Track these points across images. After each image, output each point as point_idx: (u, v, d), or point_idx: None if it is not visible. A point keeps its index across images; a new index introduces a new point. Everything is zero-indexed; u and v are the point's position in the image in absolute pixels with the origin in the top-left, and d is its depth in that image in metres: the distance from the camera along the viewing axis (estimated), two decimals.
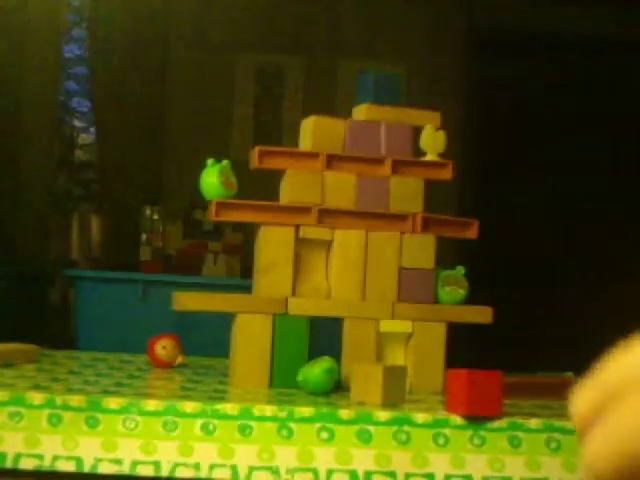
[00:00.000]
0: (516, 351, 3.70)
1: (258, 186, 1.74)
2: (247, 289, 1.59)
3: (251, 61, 4.66)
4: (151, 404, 1.24)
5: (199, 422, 1.23)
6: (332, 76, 4.68)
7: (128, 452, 1.22)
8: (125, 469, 1.21)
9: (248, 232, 3.44)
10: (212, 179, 1.51)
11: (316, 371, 1.42)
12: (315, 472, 1.23)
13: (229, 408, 1.24)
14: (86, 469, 1.21)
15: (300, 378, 1.43)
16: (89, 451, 1.22)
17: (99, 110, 4.43)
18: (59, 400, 1.23)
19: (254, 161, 1.54)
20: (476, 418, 1.26)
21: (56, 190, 4.69)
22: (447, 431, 1.26)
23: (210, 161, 1.52)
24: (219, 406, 1.24)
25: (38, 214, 4.34)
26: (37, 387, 1.33)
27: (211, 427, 1.23)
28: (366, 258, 1.55)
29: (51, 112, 4.48)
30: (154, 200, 4.12)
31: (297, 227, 1.53)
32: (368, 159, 1.57)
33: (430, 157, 1.60)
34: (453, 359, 1.55)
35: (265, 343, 1.50)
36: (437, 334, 1.57)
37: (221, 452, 1.22)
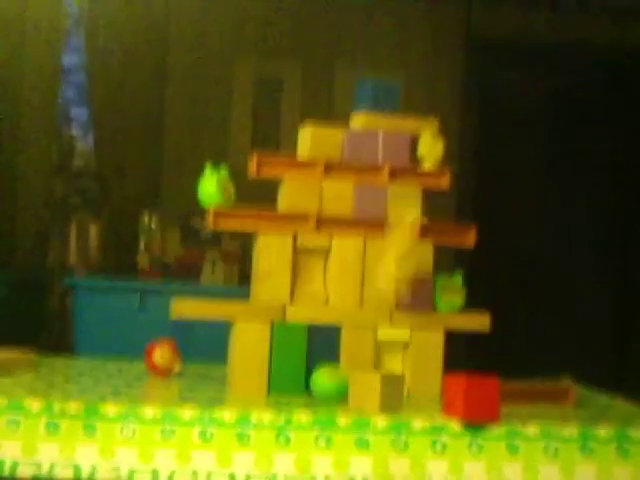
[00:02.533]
0: (513, 355, 3.70)
1: (256, 193, 1.75)
2: (245, 297, 1.59)
3: (249, 68, 4.67)
4: (149, 412, 1.24)
5: (197, 430, 1.24)
6: (330, 83, 4.68)
7: (126, 460, 1.22)
8: (123, 477, 1.21)
9: (246, 240, 3.44)
10: (210, 188, 1.51)
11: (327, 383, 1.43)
12: None
13: (227, 416, 1.24)
14: (84, 477, 1.21)
15: (315, 387, 1.44)
16: (87, 459, 1.22)
17: (97, 118, 4.43)
18: (57, 407, 1.24)
19: (252, 170, 1.54)
20: (474, 424, 1.26)
21: (54, 197, 4.69)
22: (445, 438, 1.26)
23: (208, 167, 1.52)
24: (217, 414, 1.25)
25: (36, 221, 4.34)
26: (35, 394, 1.32)
27: (209, 435, 1.23)
28: (364, 266, 1.55)
29: (49, 120, 4.48)
30: (152, 208, 4.12)
31: (295, 235, 1.53)
32: (366, 167, 1.57)
33: (428, 164, 1.60)
34: (449, 364, 1.55)
35: (263, 350, 1.50)
36: (435, 342, 1.57)
37: (219, 460, 1.23)
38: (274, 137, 4.67)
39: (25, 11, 4.22)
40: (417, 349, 1.56)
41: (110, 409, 1.24)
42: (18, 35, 4.21)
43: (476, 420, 1.26)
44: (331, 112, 4.49)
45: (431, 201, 1.66)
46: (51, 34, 4.34)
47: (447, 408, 1.28)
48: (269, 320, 1.50)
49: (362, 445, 1.25)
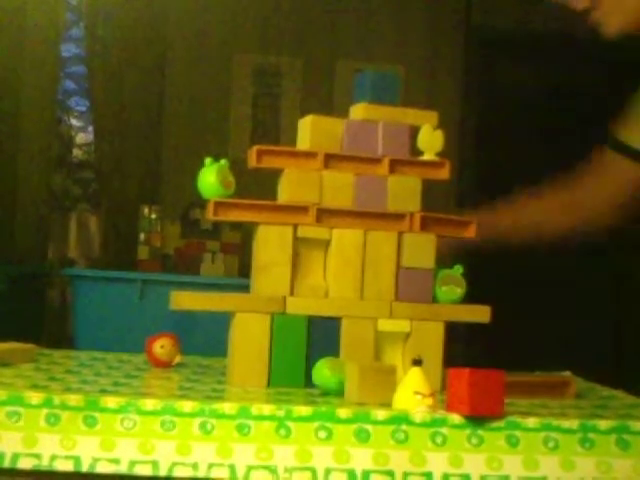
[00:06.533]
0: (513, 350, 3.70)
1: (256, 185, 1.75)
2: (245, 288, 1.59)
3: (249, 61, 4.66)
4: (149, 403, 1.24)
5: (197, 421, 1.23)
6: (329, 76, 4.68)
7: (126, 451, 1.22)
8: (123, 468, 1.21)
9: (246, 231, 3.45)
10: (210, 178, 1.51)
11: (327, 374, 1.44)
12: (313, 471, 1.23)
13: (227, 407, 1.24)
14: (84, 468, 1.21)
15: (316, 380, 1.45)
16: (87, 450, 1.22)
17: (97, 109, 4.43)
18: (57, 399, 1.23)
19: (252, 160, 1.54)
20: (477, 417, 1.26)
21: (54, 189, 4.69)
22: (445, 430, 1.26)
23: (208, 160, 1.52)
24: (217, 405, 1.25)
25: (36, 213, 4.34)
26: (35, 386, 1.33)
27: (209, 426, 1.23)
28: (364, 257, 1.55)
29: (49, 111, 4.48)
30: (152, 199, 4.12)
31: (295, 226, 1.53)
32: (366, 158, 1.57)
33: (428, 157, 1.60)
34: (449, 360, 1.55)
35: (263, 342, 1.50)
36: (435, 333, 1.57)
37: (219, 451, 1.23)
38: (274, 132, 4.67)
39: (25, 4, 4.22)
40: (417, 340, 1.56)
41: (110, 401, 1.24)
42: (18, 29, 4.21)
43: (481, 413, 1.26)
44: (331, 106, 4.49)
45: (432, 193, 1.66)
46: (51, 26, 4.33)
47: (450, 401, 1.28)
48: (269, 312, 1.50)
49: (362, 437, 1.25)
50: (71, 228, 4.57)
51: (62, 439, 1.22)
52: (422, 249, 1.58)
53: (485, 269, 4.07)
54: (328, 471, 1.23)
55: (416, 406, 1.27)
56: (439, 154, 1.61)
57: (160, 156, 4.54)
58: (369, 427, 1.25)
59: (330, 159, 1.56)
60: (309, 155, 1.56)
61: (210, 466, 1.22)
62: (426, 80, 4.59)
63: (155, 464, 1.22)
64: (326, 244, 1.56)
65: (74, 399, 1.24)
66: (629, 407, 1.48)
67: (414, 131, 1.61)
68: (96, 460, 1.22)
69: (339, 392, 1.41)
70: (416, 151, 1.61)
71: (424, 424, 1.26)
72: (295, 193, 1.54)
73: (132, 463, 1.22)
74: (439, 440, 1.26)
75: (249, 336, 1.50)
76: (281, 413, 1.25)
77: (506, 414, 1.28)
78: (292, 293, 1.53)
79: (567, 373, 1.72)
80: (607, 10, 1.66)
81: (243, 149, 2.00)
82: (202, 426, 1.23)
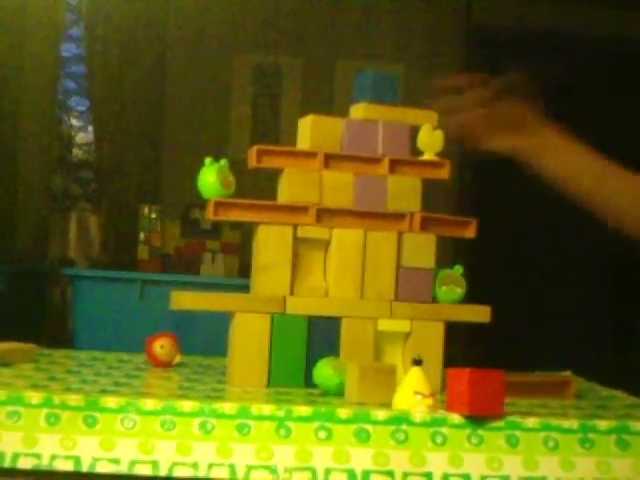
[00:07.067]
0: (514, 350, 3.70)
1: (256, 185, 1.75)
2: (245, 288, 1.59)
3: (249, 60, 4.66)
4: (149, 403, 1.24)
5: (197, 421, 1.23)
6: (330, 75, 4.67)
7: (126, 451, 1.22)
8: (123, 468, 1.21)
9: (246, 231, 3.45)
10: (210, 178, 1.51)
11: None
12: (313, 471, 1.23)
13: (227, 407, 1.24)
14: (84, 468, 1.21)
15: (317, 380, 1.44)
16: (87, 450, 1.22)
17: (97, 109, 4.43)
18: (57, 399, 1.23)
19: (252, 160, 1.54)
20: (477, 417, 1.26)
21: (54, 189, 4.69)
22: (445, 430, 1.26)
23: (208, 160, 1.52)
24: (217, 405, 1.24)
25: (36, 213, 4.34)
26: (35, 386, 1.33)
27: (209, 426, 1.23)
28: (364, 257, 1.55)
29: (49, 111, 4.48)
30: (152, 199, 4.12)
31: (295, 226, 1.53)
32: (366, 158, 1.57)
33: (428, 156, 1.60)
34: (449, 360, 1.55)
35: (263, 342, 1.50)
36: (435, 333, 1.57)
37: (219, 451, 1.22)
38: (274, 132, 4.67)
39: (25, 4, 4.22)
40: (417, 340, 1.56)
41: (110, 401, 1.24)
42: (18, 29, 4.21)
43: (481, 413, 1.26)
44: (331, 106, 4.49)
45: (433, 193, 1.65)
46: (51, 26, 4.33)
47: (450, 401, 1.28)
48: (269, 312, 1.50)
49: (362, 437, 1.25)
50: (71, 228, 4.57)
51: (62, 439, 1.22)
52: (422, 249, 1.58)
53: (485, 269, 4.07)
54: (328, 471, 1.23)
55: (416, 406, 1.27)
56: (439, 154, 1.61)
57: (160, 156, 4.54)
58: (369, 427, 1.25)
59: (330, 159, 1.56)
60: (309, 155, 1.56)
61: (210, 466, 1.22)
62: (426, 80, 4.59)
63: (155, 464, 1.22)
64: (326, 244, 1.56)
65: (74, 399, 1.24)
66: (629, 407, 1.48)
67: (414, 131, 1.61)
68: (96, 460, 1.22)
69: (340, 392, 1.41)
70: (416, 151, 1.61)
71: (424, 424, 1.26)
72: (295, 193, 1.54)
73: (132, 463, 1.22)
74: (439, 440, 1.26)
75: (249, 336, 1.49)
76: (281, 413, 1.25)
77: (506, 414, 1.28)
78: (292, 293, 1.53)
79: (567, 373, 1.72)
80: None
81: (243, 149, 2.00)
82: (202, 426, 1.23)
